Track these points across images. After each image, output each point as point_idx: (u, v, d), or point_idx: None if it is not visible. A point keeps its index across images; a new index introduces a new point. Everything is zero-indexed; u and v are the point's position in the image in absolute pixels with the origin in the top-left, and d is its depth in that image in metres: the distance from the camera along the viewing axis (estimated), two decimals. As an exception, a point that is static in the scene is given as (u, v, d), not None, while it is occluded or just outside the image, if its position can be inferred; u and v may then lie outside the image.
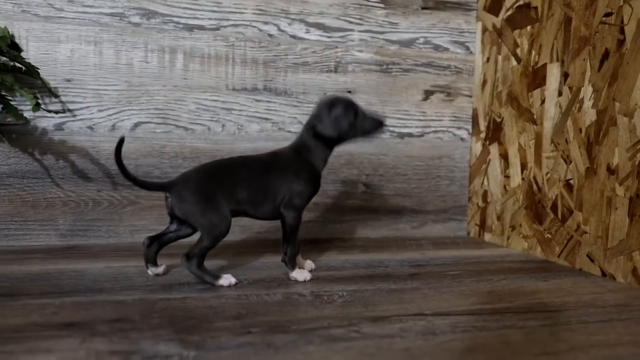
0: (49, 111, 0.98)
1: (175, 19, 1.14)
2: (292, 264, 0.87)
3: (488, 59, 1.26)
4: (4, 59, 1.00)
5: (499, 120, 1.22)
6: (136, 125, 1.13)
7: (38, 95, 1.03)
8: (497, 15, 1.22)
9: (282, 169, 0.88)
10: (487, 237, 1.26)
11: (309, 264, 0.95)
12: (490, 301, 0.77)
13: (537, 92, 1.09)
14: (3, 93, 0.98)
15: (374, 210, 1.27)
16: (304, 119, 1.20)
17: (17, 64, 0.99)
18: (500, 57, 1.21)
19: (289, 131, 1.20)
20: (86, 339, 0.58)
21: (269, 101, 1.19)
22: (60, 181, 1.09)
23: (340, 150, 1.22)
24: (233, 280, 0.83)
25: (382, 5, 1.25)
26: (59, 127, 1.09)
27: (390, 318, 0.69)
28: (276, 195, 0.87)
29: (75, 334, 0.60)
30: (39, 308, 0.68)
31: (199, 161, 1.15)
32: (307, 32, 1.21)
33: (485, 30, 1.27)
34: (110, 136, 1.11)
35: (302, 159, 0.89)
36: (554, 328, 0.66)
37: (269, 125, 1.19)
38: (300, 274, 0.87)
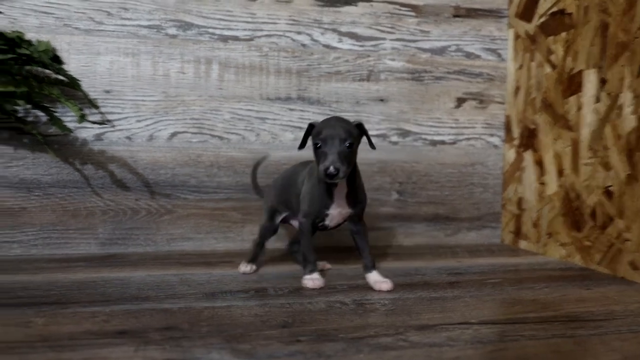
0: (93, 122, 1.00)
1: (211, 30, 1.15)
2: (304, 269, 0.89)
3: (521, 66, 1.25)
4: (47, 71, 1.03)
5: (532, 127, 1.21)
6: (173, 135, 1.14)
7: (82, 107, 1.05)
8: (529, 22, 1.22)
9: (308, 178, 0.91)
10: (522, 244, 1.25)
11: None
12: (535, 309, 0.76)
13: (573, 99, 1.08)
14: (47, 105, 1.01)
15: (407, 217, 1.27)
16: (338, 128, 1.22)
17: (60, 77, 1.02)
18: (533, 64, 1.21)
19: (323, 140, 1.21)
20: (140, 346, 0.59)
21: (302, 110, 1.20)
22: (99, 190, 1.12)
23: (372, 157, 1.23)
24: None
25: (413, 13, 1.25)
26: (98, 137, 1.11)
27: (436, 327, 0.68)
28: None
29: (129, 341, 0.61)
30: (90, 316, 0.70)
31: (234, 170, 1.17)
32: (340, 41, 1.22)
33: (518, 37, 1.27)
34: (148, 146, 1.13)
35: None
36: (604, 337, 0.65)
37: (302, 134, 1.20)
38: (309, 281, 0.86)
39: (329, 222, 0.89)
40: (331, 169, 0.77)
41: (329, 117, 0.85)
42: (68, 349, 0.58)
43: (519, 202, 1.26)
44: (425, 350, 0.60)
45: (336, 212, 0.87)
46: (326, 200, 0.86)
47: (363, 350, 0.60)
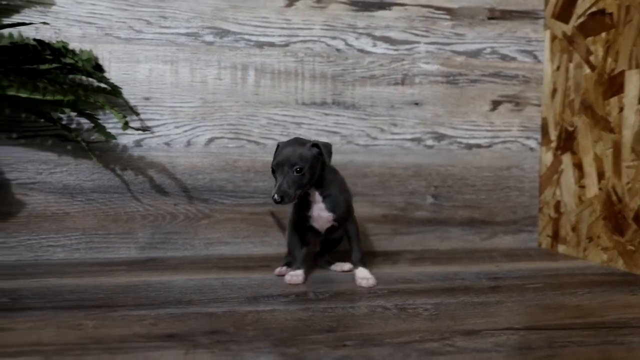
0: (136, 129, 1.02)
1: (247, 37, 1.17)
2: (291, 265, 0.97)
3: (558, 67, 1.24)
4: (89, 80, 1.05)
5: (571, 129, 1.19)
6: (210, 140, 1.16)
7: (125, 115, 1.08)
8: (567, 22, 1.20)
9: None
10: (561, 248, 1.23)
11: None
12: (581, 315, 0.75)
13: (614, 100, 1.07)
14: (89, 112, 1.03)
15: (443, 221, 1.27)
16: (372, 132, 1.22)
17: (102, 85, 1.04)
18: (571, 65, 1.19)
19: (357, 144, 1.21)
20: (189, 350, 0.60)
21: (337, 115, 1.20)
22: (139, 195, 1.14)
23: (407, 162, 1.23)
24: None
25: (448, 16, 1.25)
26: (138, 143, 1.13)
27: (482, 332, 0.68)
28: None
29: (178, 345, 0.62)
30: (137, 319, 0.71)
31: (270, 175, 1.18)
32: (374, 45, 1.22)
33: (555, 38, 1.25)
34: (186, 152, 1.15)
35: None
36: (656, 344, 0.64)
37: (337, 139, 1.20)
38: (288, 277, 0.93)
39: (315, 223, 0.95)
40: (276, 196, 0.84)
41: (290, 139, 0.91)
42: (121, 352, 0.60)
43: (557, 205, 1.24)
44: (473, 355, 0.60)
45: (316, 215, 0.93)
46: (305, 204, 0.93)
47: (411, 355, 0.60)
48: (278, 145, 0.90)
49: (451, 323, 0.71)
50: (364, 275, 0.93)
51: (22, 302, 0.78)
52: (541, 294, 0.87)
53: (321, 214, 0.93)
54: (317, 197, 0.92)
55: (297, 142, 0.89)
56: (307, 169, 0.86)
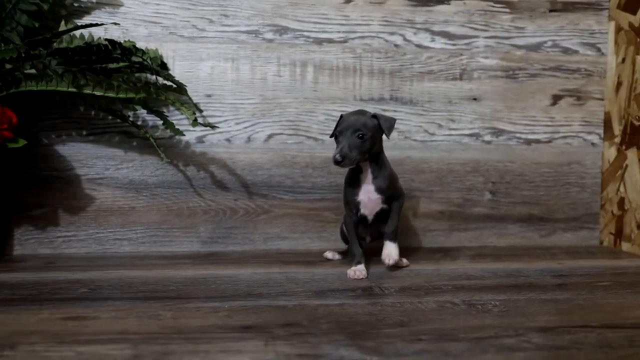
0: (205, 125, 1.04)
1: (306, 34, 1.18)
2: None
3: (624, 60, 1.20)
4: (155, 78, 1.08)
5: (637, 123, 1.16)
6: (269, 136, 1.18)
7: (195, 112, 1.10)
8: (634, 13, 1.17)
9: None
10: (625, 246, 1.20)
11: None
12: (658, 315, 0.73)
13: (685, 94, 1.03)
14: (157, 109, 1.06)
15: (501, 218, 1.25)
16: (430, 128, 1.21)
17: (168, 82, 1.07)
18: (639, 58, 1.15)
19: (415, 140, 1.21)
20: (269, 341, 0.62)
21: (395, 110, 1.20)
22: (201, 191, 1.16)
23: (465, 157, 1.22)
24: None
25: (508, 10, 1.23)
26: (200, 140, 1.16)
27: (557, 329, 0.67)
28: None
29: (257, 336, 0.63)
30: (212, 311, 0.73)
31: (328, 171, 1.19)
32: (432, 40, 1.21)
33: (620, 30, 1.21)
34: (246, 148, 1.17)
35: None
36: None
37: (395, 134, 1.20)
38: (351, 272, 0.93)
39: (364, 210, 0.96)
40: (337, 156, 0.87)
41: (354, 110, 0.95)
42: (203, 341, 0.61)
43: (621, 202, 1.21)
44: (552, 353, 0.59)
45: (366, 198, 0.95)
46: (354, 188, 0.95)
47: (489, 351, 0.59)
48: (341, 116, 0.94)
49: (523, 319, 0.71)
50: (388, 252, 0.94)
51: (100, 292, 0.82)
52: (612, 292, 0.85)
53: (370, 197, 0.94)
54: (369, 175, 0.94)
55: (361, 112, 0.94)
56: (368, 136, 0.90)
